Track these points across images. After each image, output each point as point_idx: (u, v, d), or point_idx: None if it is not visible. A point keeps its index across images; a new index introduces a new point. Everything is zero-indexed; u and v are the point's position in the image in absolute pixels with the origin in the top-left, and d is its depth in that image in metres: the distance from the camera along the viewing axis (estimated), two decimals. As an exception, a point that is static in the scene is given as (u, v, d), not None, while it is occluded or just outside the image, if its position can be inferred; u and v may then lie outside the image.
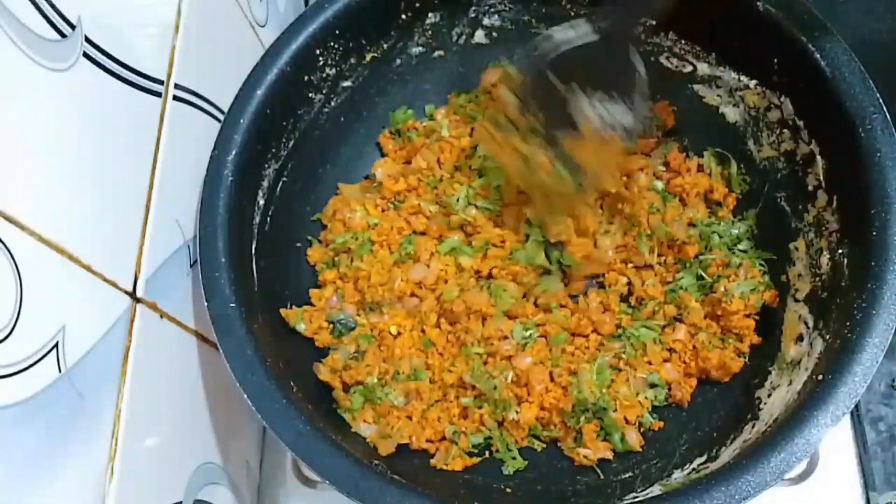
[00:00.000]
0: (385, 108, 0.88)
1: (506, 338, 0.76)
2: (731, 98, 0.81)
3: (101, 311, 0.52)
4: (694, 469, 0.67)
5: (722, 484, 0.56)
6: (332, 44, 0.76)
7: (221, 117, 0.70)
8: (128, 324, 0.55)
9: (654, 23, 0.80)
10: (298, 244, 0.82)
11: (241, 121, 0.70)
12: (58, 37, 0.48)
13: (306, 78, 0.76)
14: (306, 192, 0.82)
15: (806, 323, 0.70)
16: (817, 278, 0.71)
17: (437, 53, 0.86)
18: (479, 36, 0.87)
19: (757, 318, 0.76)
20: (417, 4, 0.81)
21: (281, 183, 0.78)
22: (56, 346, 0.47)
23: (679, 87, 0.83)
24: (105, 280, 0.52)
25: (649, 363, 0.76)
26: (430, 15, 0.83)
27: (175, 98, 0.62)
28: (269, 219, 0.75)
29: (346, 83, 0.81)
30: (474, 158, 0.82)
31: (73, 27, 0.49)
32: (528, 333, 0.76)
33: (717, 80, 0.81)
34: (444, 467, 0.72)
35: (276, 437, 0.60)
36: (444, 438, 0.74)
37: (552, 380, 0.75)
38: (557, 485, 0.72)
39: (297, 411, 0.60)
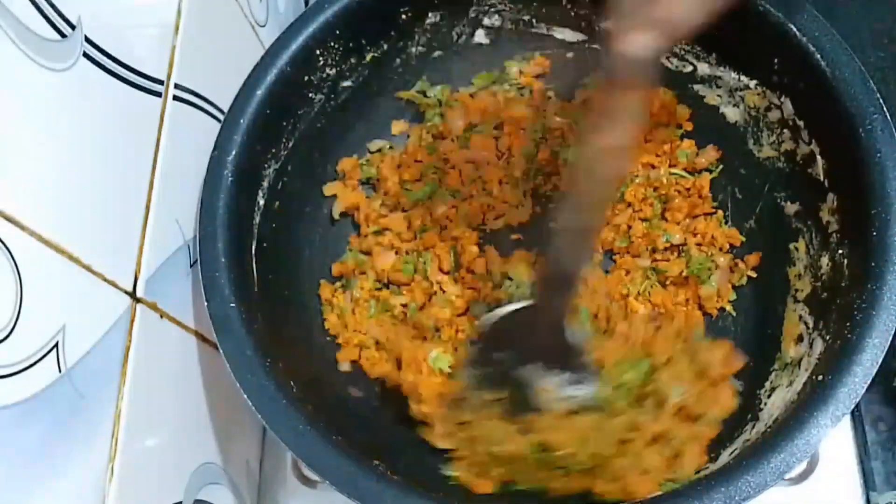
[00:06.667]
0: (385, 108, 0.87)
1: None
2: (731, 98, 0.81)
3: (101, 311, 0.52)
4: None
5: (722, 484, 0.56)
6: (332, 44, 0.76)
7: (221, 117, 0.70)
8: (128, 324, 0.55)
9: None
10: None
11: (241, 121, 0.70)
12: (58, 37, 0.48)
13: (306, 78, 0.76)
14: (306, 192, 0.82)
15: (806, 323, 0.70)
16: (817, 278, 0.71)
17: (436, 53, 0.86)
18: (480, 36, 0.87)
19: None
20: (417, 4, 0.81)
21: (281, 183, 0.78)
22: (56, 346, 0.47)
23: (679, 87, 0.83)
24: (105, 280, 0.52)
25: None
26: (430, 15, 0.82)
27: (175, 98, 0.62)
28: (269, 219, 0.75)
29: (346, 83, 0.81)
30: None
31: (73, 27, 0.49)
32: None
33: (717, 80, 0.81)
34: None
35: (276, 437, 0.60)
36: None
37: None
38: (557, 485, 0.72)
39: (297, 411, 0.60)
